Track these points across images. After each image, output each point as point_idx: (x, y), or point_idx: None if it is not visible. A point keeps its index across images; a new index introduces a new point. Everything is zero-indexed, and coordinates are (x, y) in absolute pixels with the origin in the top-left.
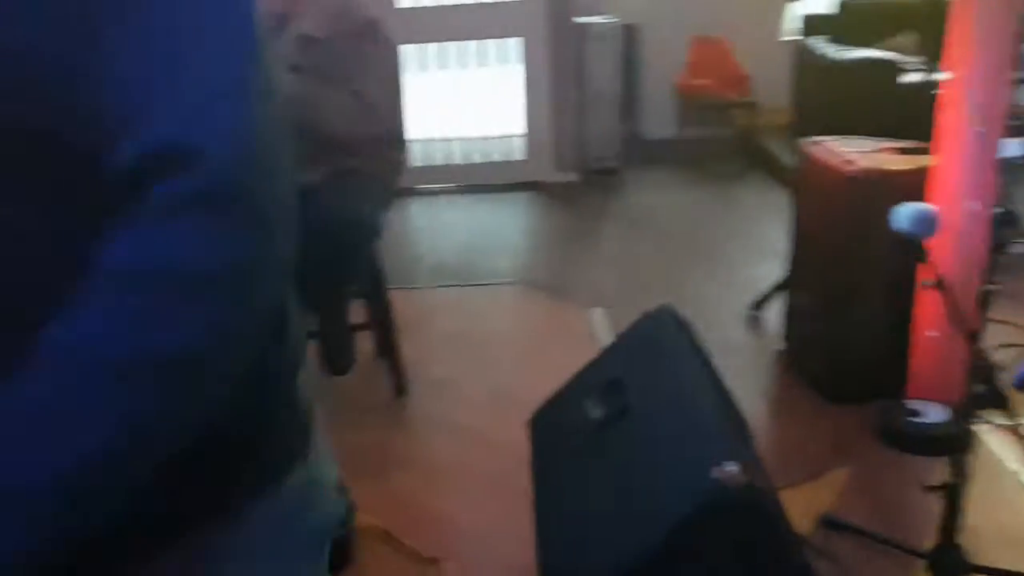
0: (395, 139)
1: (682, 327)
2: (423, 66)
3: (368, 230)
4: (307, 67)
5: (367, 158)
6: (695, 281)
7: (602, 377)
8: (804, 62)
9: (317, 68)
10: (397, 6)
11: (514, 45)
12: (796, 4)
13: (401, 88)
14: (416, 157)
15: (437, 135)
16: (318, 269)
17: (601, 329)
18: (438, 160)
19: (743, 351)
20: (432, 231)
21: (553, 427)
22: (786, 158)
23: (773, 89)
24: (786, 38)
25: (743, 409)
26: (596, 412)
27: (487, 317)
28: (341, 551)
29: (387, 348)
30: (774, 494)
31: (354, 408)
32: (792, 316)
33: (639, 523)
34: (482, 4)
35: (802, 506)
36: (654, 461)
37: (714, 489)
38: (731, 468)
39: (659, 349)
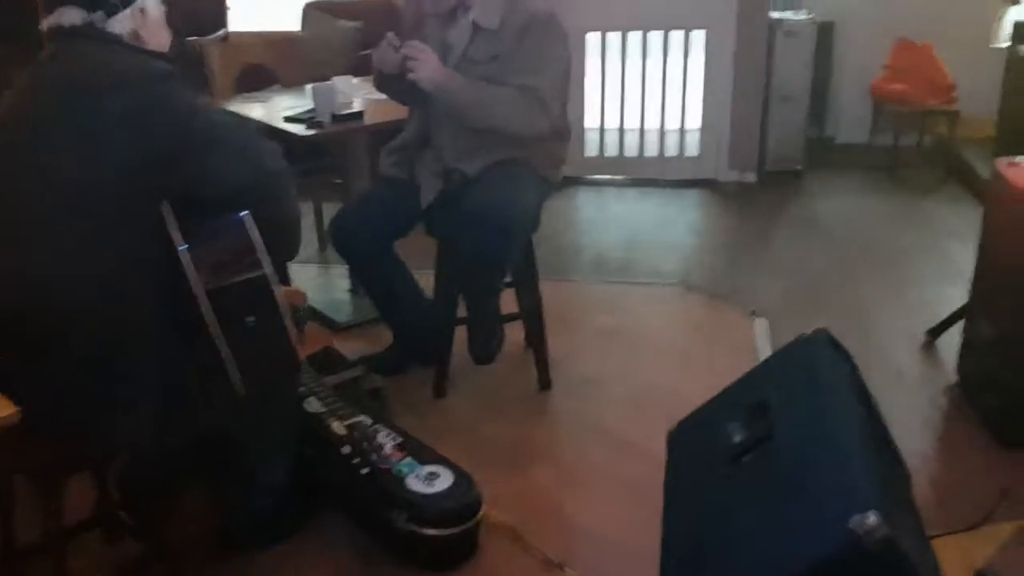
0: (559, 133)
1: (841, 356)
2: (603, 54)
3: (523, 221)
4: (479, 57)
5: (529, 151)
6: (870, 298)
7: (749, 398)
8: (1016, 72)
9: (488, 58)
10: None
11: (699, 37)
12: (1014, 9)
13: (568, 81)
14: (588, 146)
15: (612, 125)
16: (472, 256)
17: (762, 341)
18: (610, 151)
19: (912, 380)
20: (596, 223)
21: (691, 444)
22: (986, 173)
23: (979, 99)
24: (998, 45)
25: (904, 444)
26: (737, 435)
27: (643, 317)
28: (466, 542)
29: (535, 340)
30: (923, 545)
31: (496, 398)
32: (970, 347)
33: (765, 562)
34: None
35: (958, 557)
36: (790, 498)
37: (849, 540)
38: (871, 520)
39: (813, 377)
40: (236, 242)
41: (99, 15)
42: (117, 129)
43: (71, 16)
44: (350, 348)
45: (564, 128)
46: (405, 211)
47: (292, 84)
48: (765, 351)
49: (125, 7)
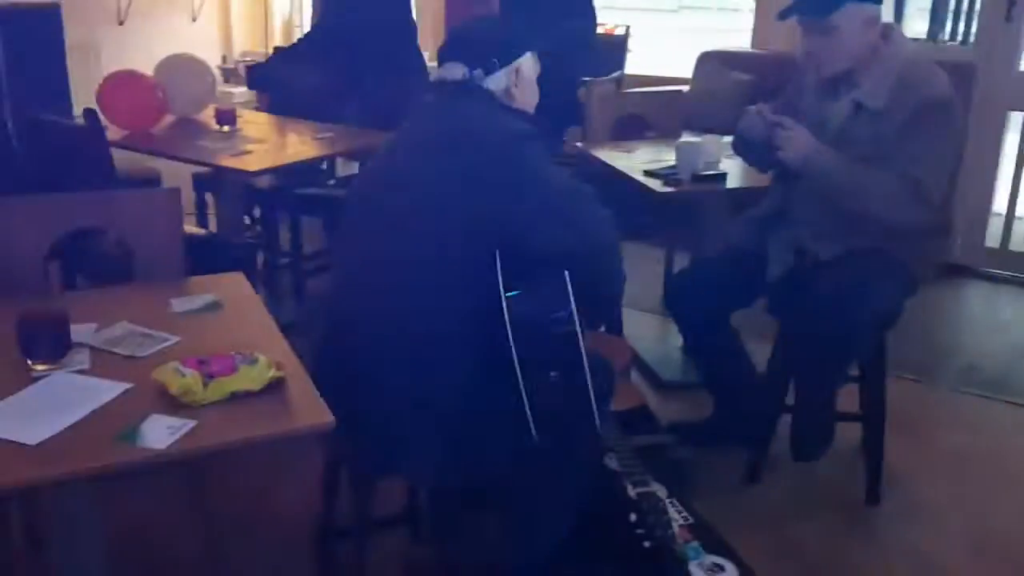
0: (936, 228)
1: None
2: None
3: (875, 321)
4: (856, 137)
5: (896, 242)
6: None
7: None
8: None
9: (867, 139)
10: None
11: None
12: None
13: (954, 172)
14: (990, 235)
15: (1022, 213)
16: (811, 348)
17: None
18: (1016, 243)
19: None
20: (979, 324)
21: None
22: None
23: None
24: None
25: None
26: None
27: (1010, 446)
28: None
29: (871, 446)
30: None
31: (814, 499)
32: None
33: None
34: None
35: None
36: None
37: None
38: None
39: None
40: (553, 299)
41: (479, 72)
42: (468, 179)
43: (455, 71)
44: (669, 409)
45: (942, 222)
46: (749, 283)
47: (668, 134)
48: None
49: (502, 67)
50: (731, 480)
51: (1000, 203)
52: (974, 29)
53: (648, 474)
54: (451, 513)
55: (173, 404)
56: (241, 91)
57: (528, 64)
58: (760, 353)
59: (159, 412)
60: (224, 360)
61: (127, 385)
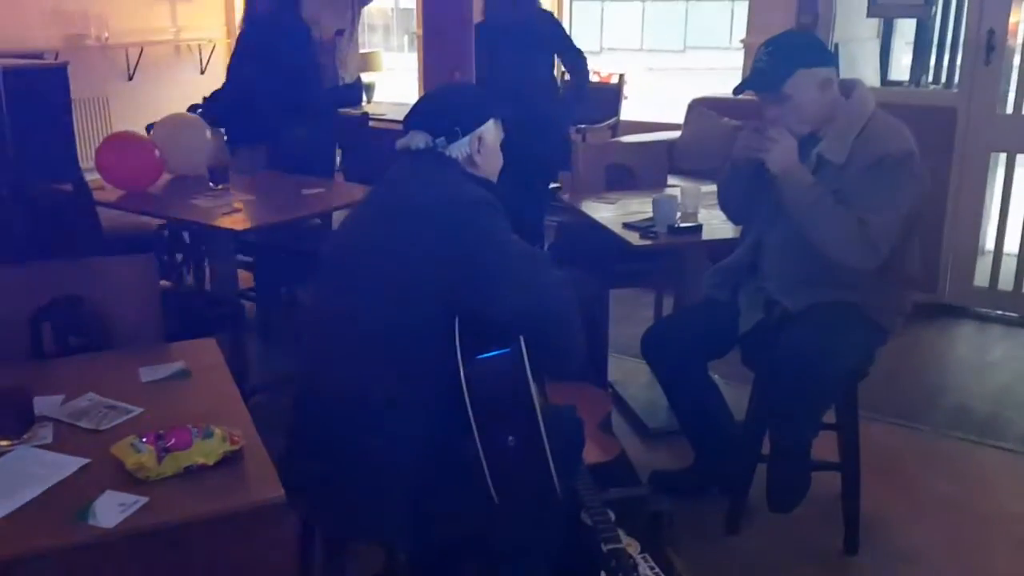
0: (901, 279)
1: None
2: (1009, 174)
3: (841, 373)
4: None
5: (863, 294)
6: None
7: None
8: None
9: (831, 192)
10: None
11: None
12: None
13: (914, 226)
14: (979, 274)
15: (1011, 250)
16: (781, 399)
17: None
18: (1004, 282)
19: None
20: (968, 365)
21: None
22: None
23: None
24: None
25: None
26: None
27: (997, 494)
28: None
29: (847, 494)
30: None
31: (792, 549)
32: None
33: None
34: None
35: None
36: None
37: None
38: None
39: None
40: (508, 366)
41: (441, 140)
42: (428, 246)
43: (418, 140)
44: (652, 458)
45: (908, 274)
46: (722, 334)
47: (654, 184)
48: None
49: (465, 135)
50: (710, 530)
51: (988, 242)
52: (956, 72)
53: (621, 529)
54: (429, 573)
55: (129, 479)
56: None
57: (491, 132)
58: (743, 401)
59: (115, 488)
60: (181, 433)
61: (86, 460)
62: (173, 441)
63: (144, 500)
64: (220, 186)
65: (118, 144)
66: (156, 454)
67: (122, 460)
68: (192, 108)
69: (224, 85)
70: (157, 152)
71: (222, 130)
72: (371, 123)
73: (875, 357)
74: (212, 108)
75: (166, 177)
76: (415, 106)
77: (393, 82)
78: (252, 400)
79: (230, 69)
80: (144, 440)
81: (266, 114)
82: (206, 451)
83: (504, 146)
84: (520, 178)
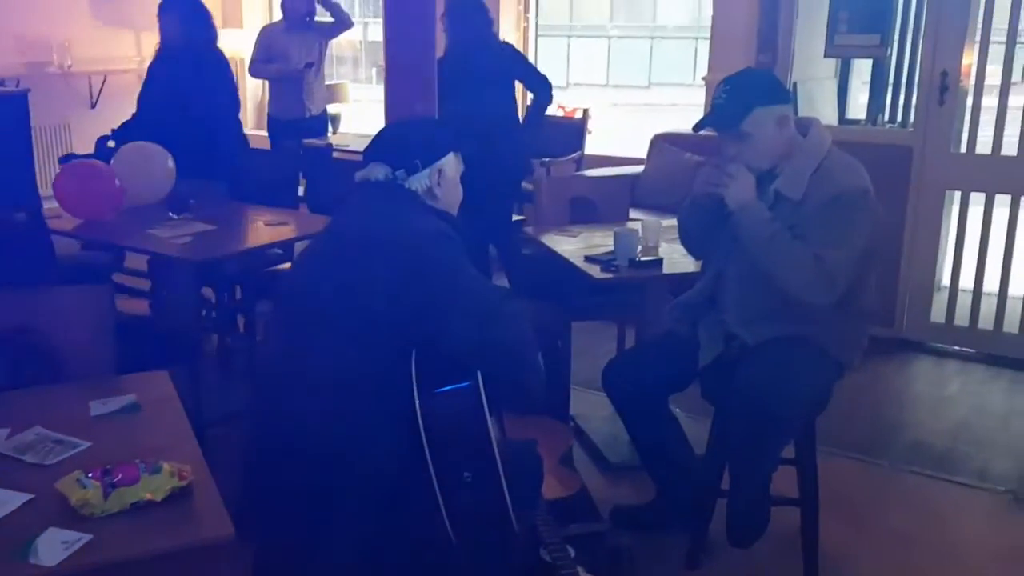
0: (854, 314)
1: None
2: (964, 211)
3: (798, 406)
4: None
5: (820, 328)
6: None
7: None
8: None
9: (787, 227)
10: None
11: None
12: None
13: (872, 262)
14: (936, 310)
15: (967, 286)
16: (738, 433)
17: None
18: (960, 318)
19: None
20: (925, 400)
21: None
22: None
23: None
24: None
25: None
26: None
27: (953, 527)
28: None
29: (806, 529)
30: None
31: None
32: None
33: None
34: None
35: None
36: None
37: None
38: None
39: None
40: (465, 402)
41: (401, 172)
42: (385, 278)
43: (377, 172)
44: (613, 492)
45: (865, 309)
46: (682, 367)
47: (616, 218)
48: None
49: (424, 167)
50: (671, 565)
51: (945, 278)
52: (912, 112)
53: (581, 566)
54: None
55: (74, 516)
56: None
57: (451, 165)
58: (705, 435)
59: (58, 525)
60: (129, 469)
61: (30, 496)
62: (120, 476)
63: (88, 537)
64: (180, 216)
65: (77, 172)
66: (102, 490)
67: (67, 496)
68: (101, 140)
69: (133, 115)
70: (117, 181)
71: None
72: (335, 154)
73: (833, 391)
74: (121, 139)
75: (126, 206)
76: (375, 138)
77: (360, 114)
78: (207, 433)
79: (139, 99)
80: (90, 475)
81: (174, 153)
82: (153, 487)
83: (465, 179)
84: (482, 209)
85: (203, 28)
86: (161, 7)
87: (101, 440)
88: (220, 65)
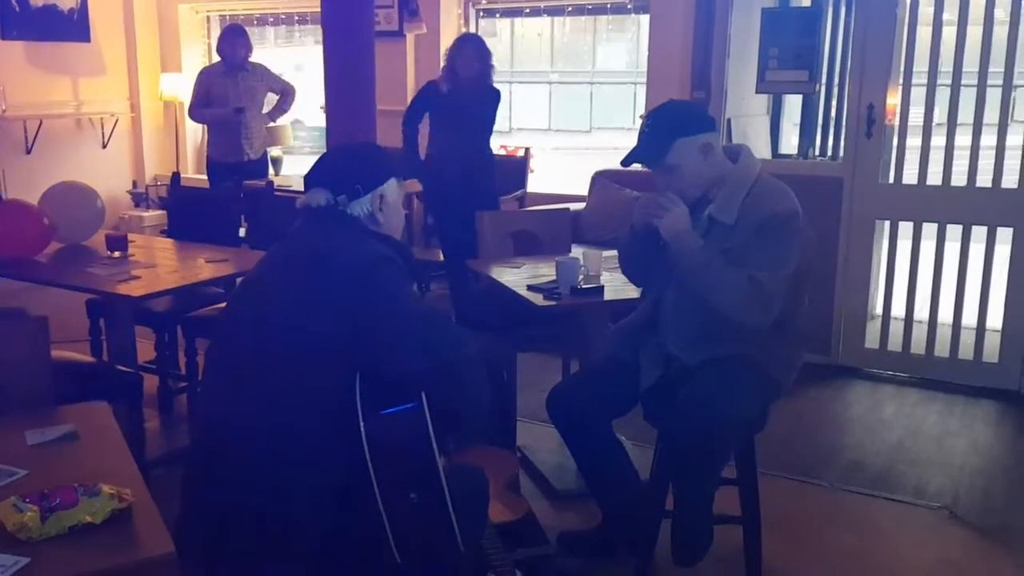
0: (790, 334)
1: None
2: (893, 240)
3: (737, 424)
4: (711, 249)
5: (757, 349)
6: None
7: None
8: None
9: (720, 251)
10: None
11: (1005, 234)
12: None
13: (804, 283)
14: (869, 337)
15: (898, 314)
16: (679, 453)
17: None
18: (893, 345)
19: None
20: (862, 423)
21: None
22: None
23: None
24: None
25: None
26: None
27: (892, 543)
28: None
29: (748, 547)
30: None
31: None
32: None
33: None
34: (977, 189)
35: None
36: None
37: None
38: None
39: None
40: (410, 423)
41: (343, 198)
42: (327, 302)
43: (319, 197)
44: (561, 520)
45: (801, 329)
46: (625, 391)
47: (558, 249)
48: None
49: (366, 193)
50: None
51: (878, 306)
52: (841, 145)
53: None
54: None
55: (12, 540)
56: (151, 215)
57: (392, 190)
58: (650, 461)
59: None
60: (67, 492)
61: None
62: (58, 501)
63: (25, 560)
64: (117, 253)
65: (3, 210)
66: (40, 514)
67: (3, 522)
68: None
69: None
70: (46, 220)
71: None
72: (277, 193)
73: (770, 410)
74: None
75: (56, 246)
76: (316, 164)
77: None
78: (150, 474)
79: None
80: (27, 500)
81: None
82: (92, 509)
83: (457, 214)
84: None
85: None
86: None
87: (38, 467)
88: None
